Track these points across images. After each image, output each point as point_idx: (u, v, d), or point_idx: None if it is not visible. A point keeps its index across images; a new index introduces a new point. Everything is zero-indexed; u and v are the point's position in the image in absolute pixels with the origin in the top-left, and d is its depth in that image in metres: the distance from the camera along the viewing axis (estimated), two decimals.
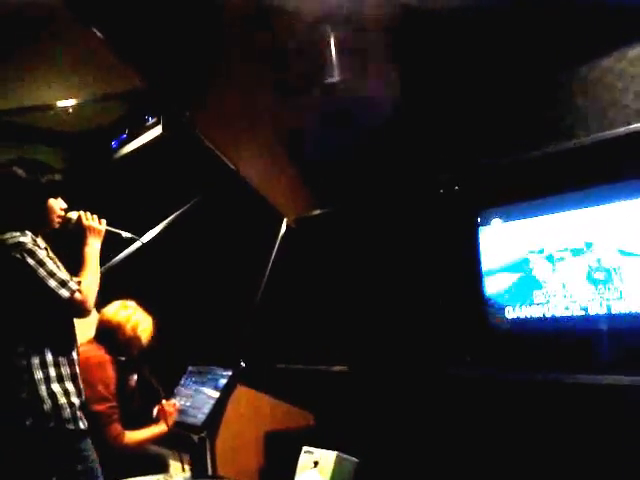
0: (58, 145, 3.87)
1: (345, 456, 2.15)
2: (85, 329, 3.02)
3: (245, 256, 3.56)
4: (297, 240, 3.57)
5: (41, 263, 1.99)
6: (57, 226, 2.19)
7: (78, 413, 2.04)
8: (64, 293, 1.99)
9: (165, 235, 3.76)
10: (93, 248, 2.21)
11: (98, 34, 2.41)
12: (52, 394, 1.97)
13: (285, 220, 3.62)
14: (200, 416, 3.25)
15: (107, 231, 2.30)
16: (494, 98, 2.43)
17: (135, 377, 3.10)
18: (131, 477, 2.38)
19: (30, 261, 1.98)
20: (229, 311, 3.54)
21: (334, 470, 2.12)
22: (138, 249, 3.37)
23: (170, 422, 2.94)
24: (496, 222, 2.74)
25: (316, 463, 2.15)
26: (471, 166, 2.63)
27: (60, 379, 2.01)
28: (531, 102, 2.39)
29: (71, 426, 2.00)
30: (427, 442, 2.75)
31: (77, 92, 3.20)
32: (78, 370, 2.12)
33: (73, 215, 2.25)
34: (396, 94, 2.41)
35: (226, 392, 3.30)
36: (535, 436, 2.40)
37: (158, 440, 2.92)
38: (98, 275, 2.17)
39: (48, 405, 1.95)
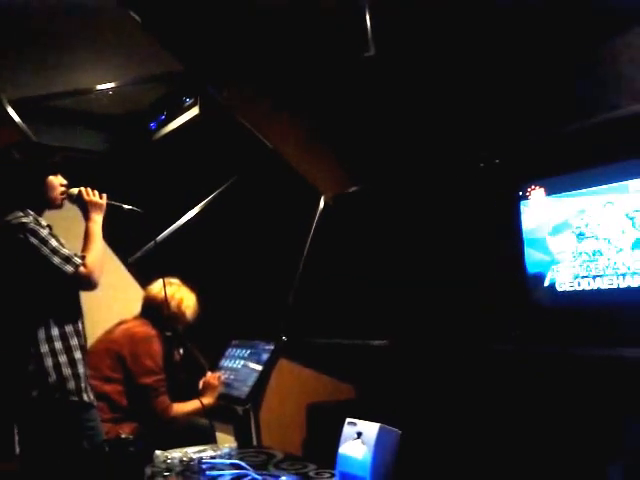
0: (99, 127, 3.93)
1: (388, 427, 2.17)
2: (131, 306, 3.13)
3: (285, 233, 3.59)
4: (335, 217, 3.59)
5: (44, 241, 2.03)
6: (60, 202, 2.21)
7: (83, 385, 2.08)
8: (68, 269, 2.03)
9: (206, 213, 3.81)
10: (96, 223, 2.22)
11: (136, 18, 2.44)
12: (57, 366, 2.02)
13: (323, 197, 3.63)
14: (244, 389, 3.33)
15: (109, 205, 2.28)
16: (531, 73, 2.38)
17: (181, 351, 3.18)
18: (180, 447, 2.46)
19: (33, 240, 2.02)
20: (271, 287, 3.60)
21: (377, 441, 2.14)
22: (181, 227, 3.42)
23: (215, 394, 3.03)
24: (538, 195, 2.70)
25: (359, 434, 2.18)
26: (511, 140, 2.59)
27: (68, 350, 2.06)
28: (567, 76, 2.34)
29: (75, 398, 2.05)
30: (468, 414, 2.77)
31: (116, 75, 3.25)
32: (85, 342, 2.17)
33: (74, 191, 2.24)
34: None
35: (269, 365, 3.37)
36: (578, 410, 2.40)
37: (204, 412, 3.01)
38: (102, 248, 2.20)
39: (53, 377, 2.01)
